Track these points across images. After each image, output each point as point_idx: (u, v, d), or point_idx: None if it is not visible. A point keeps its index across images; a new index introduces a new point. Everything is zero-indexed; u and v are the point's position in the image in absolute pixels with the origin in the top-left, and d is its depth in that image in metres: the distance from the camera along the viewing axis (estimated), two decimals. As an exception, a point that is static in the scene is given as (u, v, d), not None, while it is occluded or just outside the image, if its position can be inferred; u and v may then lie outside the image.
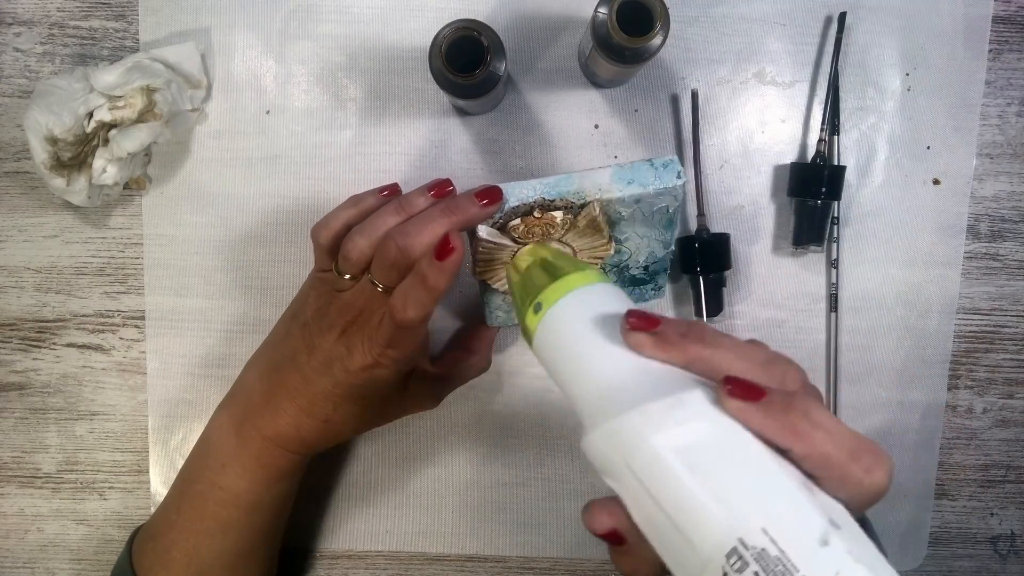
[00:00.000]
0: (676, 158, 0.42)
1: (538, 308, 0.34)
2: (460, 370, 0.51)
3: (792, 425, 0.27)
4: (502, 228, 0.43)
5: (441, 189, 0.44)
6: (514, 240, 0.43)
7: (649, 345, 0.30)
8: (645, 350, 0.30)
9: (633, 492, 0.28)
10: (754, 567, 0.25)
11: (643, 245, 0.46)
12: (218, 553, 0.47)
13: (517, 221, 0.42)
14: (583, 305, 0.33)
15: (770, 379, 0.29)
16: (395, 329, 0.41)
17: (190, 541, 0.46)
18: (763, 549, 0.25)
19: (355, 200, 0.46)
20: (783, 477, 0.27)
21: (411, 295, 0.40)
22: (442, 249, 0.40)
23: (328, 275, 0.45)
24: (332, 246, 0.45)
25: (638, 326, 0.30)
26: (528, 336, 0.35)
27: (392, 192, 0.47)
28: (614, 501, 0.29)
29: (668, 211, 0.44)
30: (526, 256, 0.40)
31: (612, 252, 0.45)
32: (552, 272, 0.35)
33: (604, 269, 0.47)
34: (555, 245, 0.43)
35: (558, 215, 0.42)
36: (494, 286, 0.45)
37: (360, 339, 0.43)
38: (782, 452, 0.27)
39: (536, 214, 0.42)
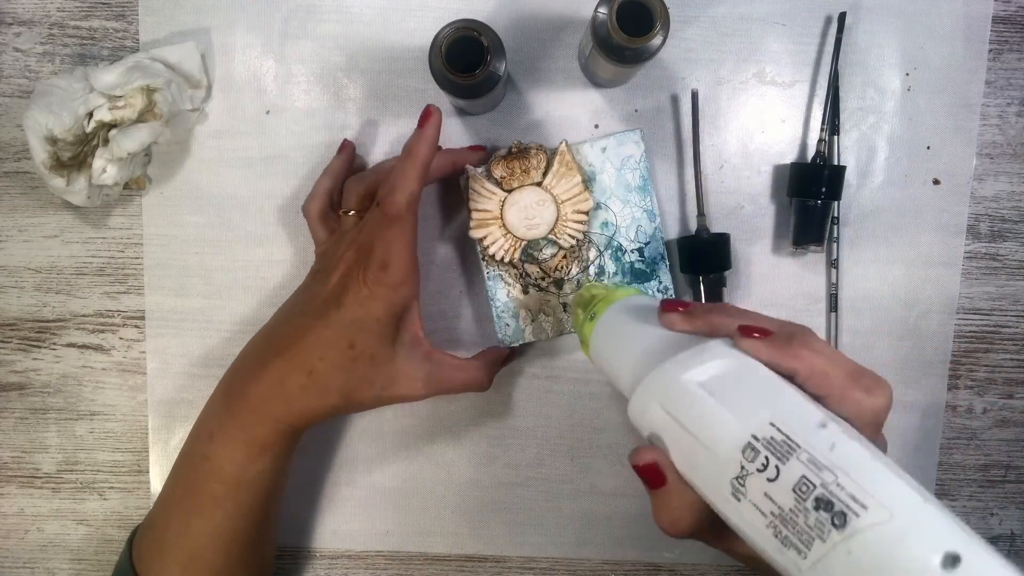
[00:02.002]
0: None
1: (592, 317, 0.42)
2: (455, 369, 0.49)
3: (794, 352, 0.32)
4: (487, 177, 0.50)
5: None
6: (499, 185, 0.50)
7: (679, 321, 0.36)
8: (676, 325, 0.36)
9: (669, 431, 0.33)
10: (764, 453, 0.29)
11: (627, 212, 0.52)
12: (209, 532, 0.46)
13: (500, 170, 0.50)
14: (625, 308, 0.40)
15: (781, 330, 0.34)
16: (388, 242, 0.43)
17: (182, 519, 0.46)
18: (771, 437, 0.29)
19: (325, 170, 0.52)
20: (788, 388, 0.31)
21: (398, 176, 0.44)
22: (423, 117, 0.45)
23: (328, 244, 0.49)
24: (321, 213, 0.50)
25: (671, 307, 0.37)
26: (585, 342, 0.42)
27: (345, 148, 0.53)
28: (655, 447, 0.34)
29: (637, 163, 0.51)
30: (582, 292, 0.47)
31: (592, 203, 0.51)
32: (602, 294, 0.43)
33: (601, 252, 0.51)
34: (537, 190, 0.50)
35: (532, 149, 0.50)
36: (487, 246, 0.51)
37: (356, 272, 0.44)
38: (790, 379, 0.32)
39: (513, 150, 0.50)
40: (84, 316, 0.55)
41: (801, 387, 0.32)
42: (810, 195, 0.51)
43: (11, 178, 0.55)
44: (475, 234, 0.51)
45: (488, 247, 0.51)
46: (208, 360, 0.55)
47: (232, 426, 0.45)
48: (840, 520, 0.26)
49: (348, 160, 0.52)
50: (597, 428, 0.55)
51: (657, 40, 0.44)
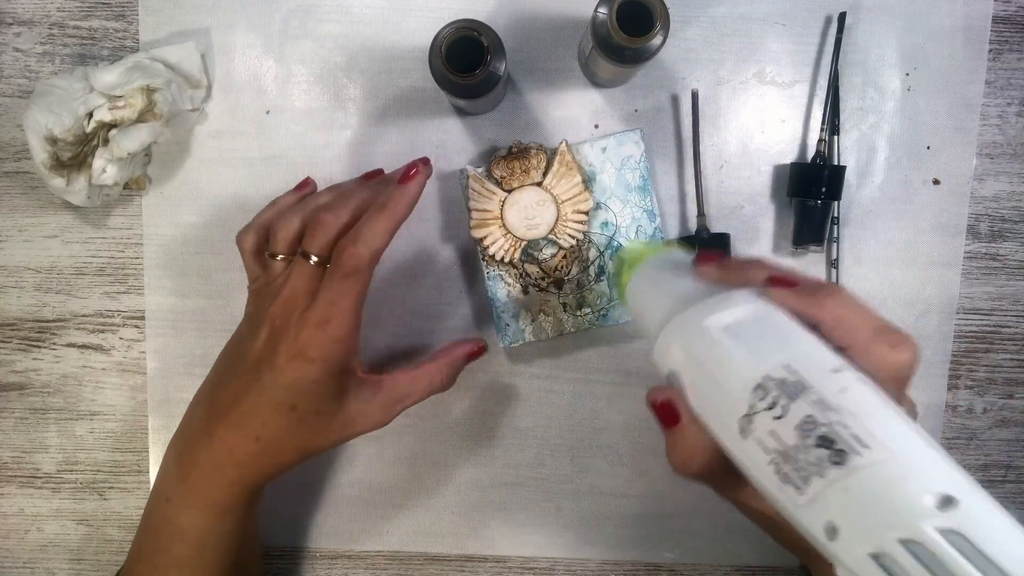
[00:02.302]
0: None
1: (631, 267, 0.42)
2: (411, 382, 0.47)
3: (820, 301, 0.31)
4: (487, 177, 0.50)
5: (371, 174, 0.48)
6: (499, 185, 0.50)
7: (713, 272, 0.36)
8: (710, 276, 0.36)
9: (688, 370, 0.33)
10: (774, 393, 0.29)
11: (627, 212, 0.52)
12: None
13: (500, 170, 0.50)
14: (661, 260, 0.41)
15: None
16: (336, 296, 0.41)
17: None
18: (784, 378, 0.29)
19: (272, 202, 0.48)
20: (808, 335, 0.31)
21: (366, 228, 0.41)
22: (408, 172, 0.43)
23: (259, 283, 0.45)
24: (256, 249, 0.46)
25: (705, 259, 0.37)
26: (623, 295, 0.42)
27: (304, 186, 0.50)
28: (671, 386, 0.34)
29: (637, 163, 0.51)
30: (623, 251, 0.46)
31: (592, 203, 0.51)
32: (642, 249, 0.43)
33: (601, 252, 0.52)
34: (537, 190, 0.50)
35: (532, 149, 0.50)
36: (487, 246, 0.51)
37: (286, 331, 0.41)
38: (814, 329, 0.31)
39: (513, 150, 0.50)
40: (84, 316, 0.55)
41: (826, 338, 0.31)
42: (810, 195, 0.51)
43: (11, 178, 0.55)
44: (475, 234, 0.51)
45: (488, 247, 0.51)
46: (208, 360, 0.55)
47: (188, 492, 0.44)
48: (840, 458, 0.26)
49: (297, 198, 0.48)
50: (597, 428, 0.55)
51: (657, 40, 0.44)
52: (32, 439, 0.56)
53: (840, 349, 0.31)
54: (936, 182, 0.54)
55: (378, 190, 0.44)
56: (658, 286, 0.39)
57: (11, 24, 0.54)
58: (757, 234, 0.54)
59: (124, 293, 0.55)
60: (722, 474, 0.33)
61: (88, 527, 0.57)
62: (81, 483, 0.57)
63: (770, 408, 0.29)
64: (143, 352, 0.55)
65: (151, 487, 0.47)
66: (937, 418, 0.55)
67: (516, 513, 0.56)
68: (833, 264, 0.54)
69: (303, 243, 0.42)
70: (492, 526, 0.56)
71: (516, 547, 0.56)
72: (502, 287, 0.52)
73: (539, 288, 0.52)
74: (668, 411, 0.33)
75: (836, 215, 0.53)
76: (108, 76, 0.49)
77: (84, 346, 0.56)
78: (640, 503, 0.56)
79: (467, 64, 0.44)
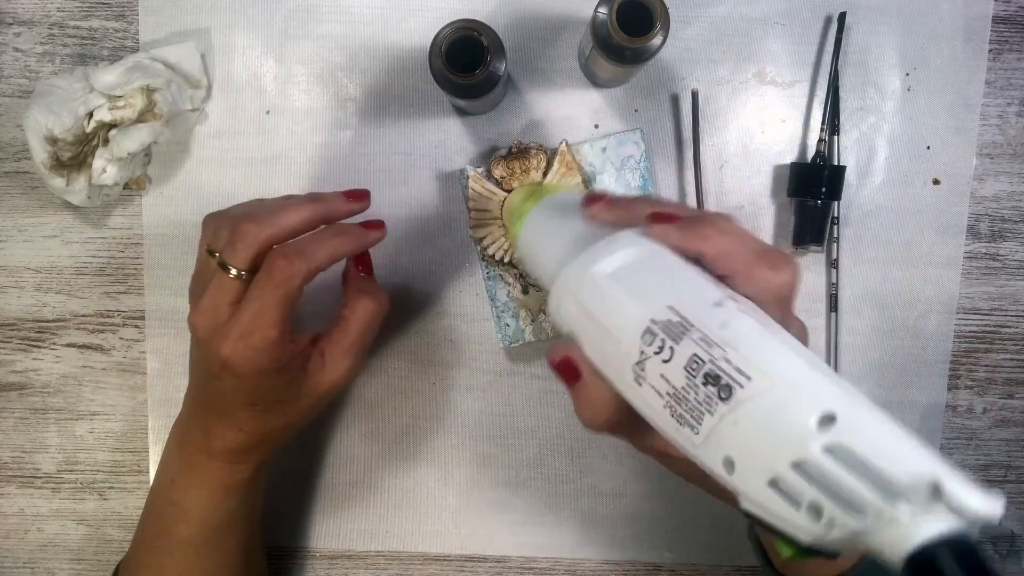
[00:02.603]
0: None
1: (520, 216, 0.41)
2: (355, 313, 0.44)
3: (701, 233, 0.32)
4: (487, 177, 0.50)
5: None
6: (499, 185, 0.50)
7: (602, 211, 0.36)
8: (599, 217, 0.36)
9: (581, 324, 0.33)
10: (660, 336, 0.29)
11: None
12: (181, 572, 0.46)
13: (500, 170, 0.50)
14: (551, 204, 0.40)
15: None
16: (265, 306, 0.39)
17: (155, 560, 0.46)
18: (668, 320, 0.29)
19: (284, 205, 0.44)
20: (690, 271, 0.31)
21: (314, 244, 0.40)
22: (373, 224, 0.43)
23: (192, 276, 0.44)
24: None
25: (593, 200, 0.36)
26: (516, 247, 0.41)
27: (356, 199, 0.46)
28: (570, 344, 0.33)
29: (637, 163, 0.51)
30: (519, 191, 0.45)
31: None
32: (529, 192, 0.42)
33: None
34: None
35: (532, 149, 0.50)
36: (486, 247, 0.50)
37: (210, 343, 0.40)
38: (698, 263, 0.32)
39: (513, 150, 0.50)
40: (84, 316, 0.55)
41: (709, 270, 0.32)
42: (810, 195, 0.51)
43: (11, 178, 0.55)
44: (475, 234, 0.51)
45: (488, 247, 0.51)
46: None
47: (191, 474, 0.45)
48: (726, 393, 0.27)
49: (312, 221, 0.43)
50: (597, 428, 0.55)
51: (657, 40, 0.44)
52: (32, 439, 0.56)
53: (723, 278, 0.31)
54: (936, 182, 0.54)
55: (317, 210, 0.42)
56: (548, 233, 0.38)
57: (11, 24, 0.54)
58: (757, 234, 0.54)
59: (124, 293, 0.55)
60: (632, 425, 0.33)
61: (88, 527, 0.57)
62: (81, 483, 0.57)
63: (658, 352, 0.29)
64: (143, 352, 0.55)
65: (152, 480, 0.47)
66: (937, 418, 0.55)
67: (516, 513, 0.56)
68: (833, 264, 0.54)
69: (222, 252, 0.40)
70: (492, 526, 0.56)
71: (516, 547, 0.56)
72: (502, 287, 0.52)
73: (539, 288, 0.52)
74: (568, 368, 0.33)
75: (836, 215, 0.53)
76: (108, 76, 0.49)
77: (84, 346, 0.56)
78: (640, 503, 0.56)
79: (467, 64, 0.44)
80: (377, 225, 0.44)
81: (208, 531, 0.45)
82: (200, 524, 0.45)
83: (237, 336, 0.39)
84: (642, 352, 0.30)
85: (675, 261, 0.32)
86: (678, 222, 0.33)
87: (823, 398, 0.26)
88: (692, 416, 0.28)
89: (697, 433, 0.28)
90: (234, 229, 0.40)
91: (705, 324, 0.28)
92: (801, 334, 0.33)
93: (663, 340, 0.29)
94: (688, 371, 0.28)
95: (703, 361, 0.28)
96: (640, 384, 0.30)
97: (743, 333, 0.28)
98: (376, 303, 0.44)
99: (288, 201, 0.42)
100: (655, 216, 0.33)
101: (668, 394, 0.29)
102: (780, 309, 0.32)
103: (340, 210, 0.43)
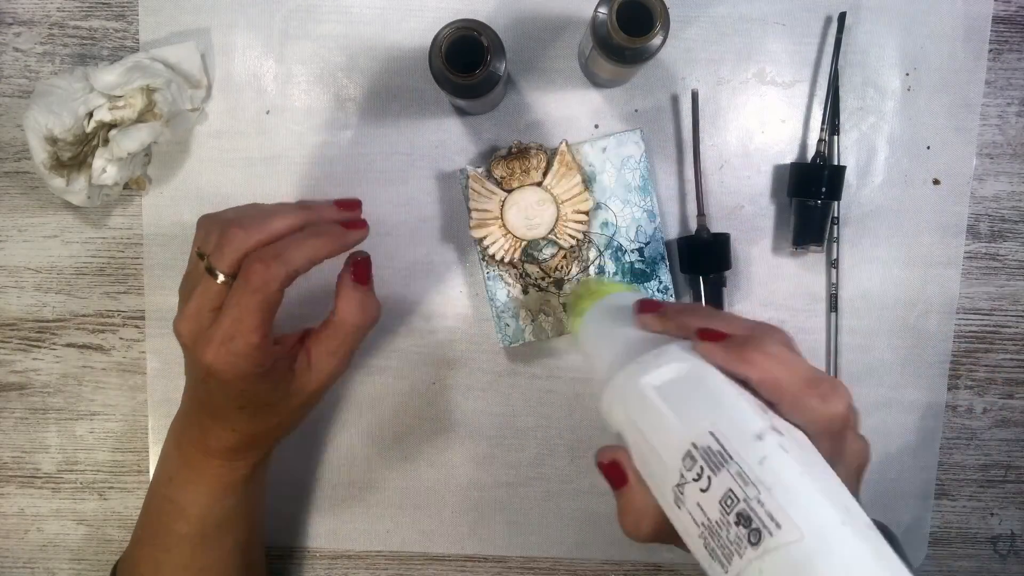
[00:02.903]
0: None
1: (580, 313, 0.42)
2: (342, 318, 0.44)
3: (748, 356, 0.31)
4: (487, 177, 0.51)
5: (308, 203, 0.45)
6: (499, 185, 0.50)
7: (653, 322, 0.36)
8: (650, 327, 0.36)
9: (630, 432, 0.33)
10: (700, 463, 0.29)
11: (627, 212, 0.52)
12: (178, 568, 0.46)
13: (500, 170, 0.50)
14: (608, 306, 0.40)
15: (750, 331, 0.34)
16: (244, 312, 0.38)
17: (152, 556, 0.46)
18: (708, 447, 0.29)
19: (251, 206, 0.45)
20: (735, 395, 0.31)
21: (294, 248, 0.39)
22: (355, 224, 0.43)
23: (183, 280, 0.43)
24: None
25: (645, 308, 0.37)
26: (574, 340, 0.42)
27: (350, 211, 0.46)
28: (620, 447, 0.34)
29: (637, 163, 0.51)
30: (579, 285, 0.47)
31: (592, 203, 0.51)
32: (592, 290, 0.43)
33: (601, 252, 0.52)
34: (537, 190, 0.50)
35: (532, 149, 0.50)
36: (486, 247, 0.51)
37: (195, 348, 0.40)
38: (745, 385, 0.31)
39: (513, 150, 0.50)
40: (84, 316, 0.55)
41: (756, 393, 0.31)
42: (810, 195, 0.51)
43: (11, 178, 0.55)
44: (475, 234, 0.51)
45: (488, 247, 0.51)
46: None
47: (189, 471, 0.45)
48: (756, 537, 0.26)
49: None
50: (597, 428, 0.55)
51: (657, 40, 0.44)
52: (32, 439, 0.56)
53: (770, 404, 0.31)
54: (936, 182, 0.54)
55: (307, 217, 0.42)
56: (604, 337, 0.39)
57: (11, 24, 0.54)
58: (757, 234, 0.54)
59: (124, 293, 0.55)
60: (676, 535, 0.32)
61: (88, 527, 0.57)
62: (81, 483, 0.57)
63: (697, 479, 0.29)
64: (143, 352, 0.55)
65: (151, 478, 0.47)
66: (937, 418, 0.55)
67: (516, 513, 0.56)
68: (833, 264, 0.54)
69: (210, 255, 0.40)
70: (492, 526, 0.56)
71: (516, 547, 0.56)
72: (502, 287, 0.52)
73: (539, 288, 0.52)
74: (616, 472, 0.33)
75: (836, 215, 0.53)
76: (108, 76, 0.49)
77: (84, 346, 0.56)
78: (640, 503, 0.56)
79: (467, 64, 0.44)
80: (358, 225, 0.43)
81: (206, 528, 0.45)
82: (198, 521, 0.45)
83: (219, 342, 0.39)
84: (682, 475, 0.29)
85: (722, 381, 0.31)
86: (725, 341, 0.32)
87: (851, 563, 0.25)
88: (723, 553, 0.28)
89: (726, 572, 0.27)
90: (223, 233, 0.39)
91: (743, 458, 0.28)
92: (860, 457, 0.32)
93: (702, 468, 0.29)
94: (723, 506, 0.28)
95: (737, 499, 0.27)
96: (679, 507, 0.30)
97: (780, 474, 0.28)
98: (363, 313, 0.44)
99: (278, 208, 0.42)
100: (703, 333, 0.33)
101: (703, 524, 0.28)
102: (831, 440, 0.31)
103: (329, 218, 0.43)
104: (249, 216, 0.41)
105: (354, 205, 0.45)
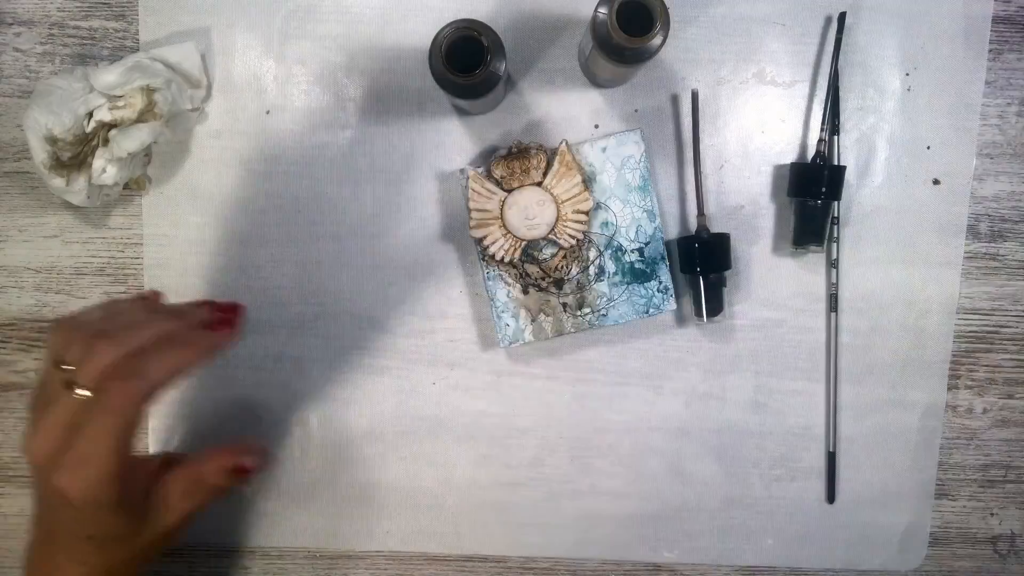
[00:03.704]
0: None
1: None
2: (203, 463, 0.44)
3: None
4: (487, 177, 0.50)
5: (151, 297, 0.45)
6: (499, 185, 0.50)
7: None
8: None
9: None
10: None
11: (627, 212, 0.52)
12: None
13: (500, 170, 0.50)
14: None
15: None
16: (86, 442, 0.37)
17: None
18: None
19: (106, 305, 0.43)
20: None
21: (154, 361, 0.37)
22: (221, 320, 0.40)
23: (34, 393, 0.40)
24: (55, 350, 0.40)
25: None
26: None
27: (148, 297, 0.46)
28: None
29: (637, 163, 0.51)
30: None
31: (592, 203, 0.51)
32: None
33: (601, 252, 0.52)
34: (537, 190, 0.50)
35: (532, 149, 0.50)
36: (486, 247, 0.50)
37: (46, 469, 0.38)
38: None
39: (513, 150, 0.50)
40: (84, 316, 0.55)
41: None
42: (810, 195, 0.51)
43: (11, 178, 0.55)
44: (475, 234, 0.51)
45: (488, 247, 0.51)
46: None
47: None
48: None
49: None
50: (597, 428, 0.55)
51: (657, 40, 0.44)
52: (32, 439, 0.56)
53: None
54: (936, 182, 0.54)
55: (170, 326, 0.39)
56: None
57: (11, 24, 0.54)
58: (757, 234, 0.54)
59: (124, 293, 0.55)
60: None
61: (88, 527, 0.57)
62: (81, 483, 0.57)
63: None
64: (143, 352, 0.55)
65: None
66: (937, 418, 0.55)
67: (516, 513, 0.56)
68: (833, 264, 0.54)
69: (72, 368, 0.37)
70: (492, 526, 0.56)
71: (516, 547, 0.56)
72: (502, 287, 0.52)
73: (539, 288, 0.52)
74: None
75: (836, 215, 0.53)
76: (108, 76, 0.49)
77: (84, 346, 0.56)
78: (640, 503, 0.56)
79: (467, 64, 0.44)
80: (224, 323, 0.40)
81: None
82: None
83: (73, 466, 0.37)
84: None
85: None
86: None
87: None
88: None
89: None
90: (88, 346, 0.37)
91: None
92: None
93: None
94: None
95: None
96: None
97: None
98: (230, 460, 0.44)
99: (145, 316, 0.40)
100: None
101: None
102: None
103: (197, 323, 0.41)
104: (116, 326, 0.38)
105: (233, 312, 0.42)
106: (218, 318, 0.41)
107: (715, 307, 0.52)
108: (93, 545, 0.40)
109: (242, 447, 0.47)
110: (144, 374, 0.37)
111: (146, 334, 0.38)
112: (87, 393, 0.36)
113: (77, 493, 0.37)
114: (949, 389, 0.55)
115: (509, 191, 0.50)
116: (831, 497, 0.55)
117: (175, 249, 0.55)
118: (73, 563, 0.41)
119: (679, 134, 0.53)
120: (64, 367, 0.37)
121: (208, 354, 0.40)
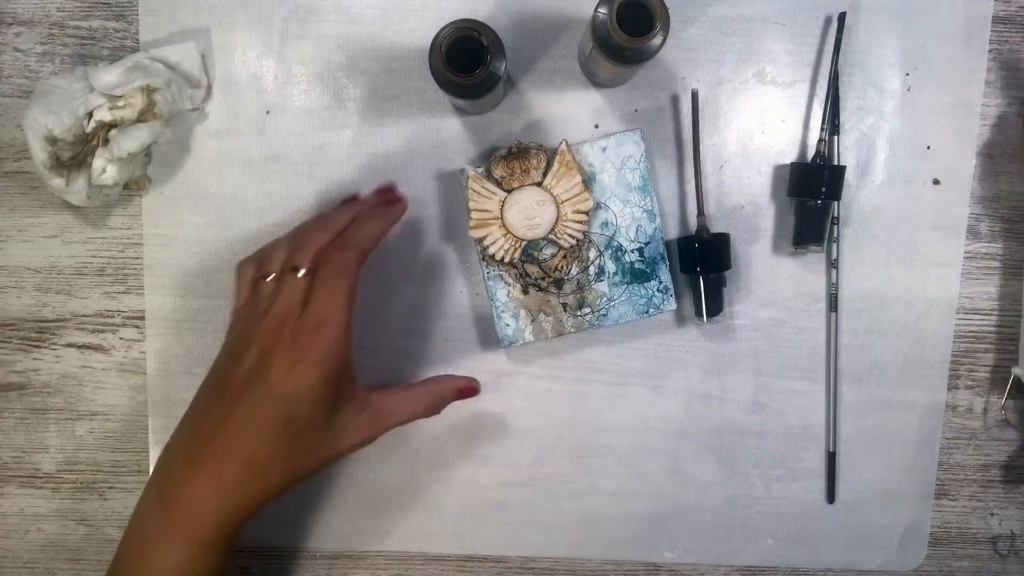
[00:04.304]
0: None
1: None
2: (396, 402, 0.47)
3: None
4: (487, 177, 0.51)
5: (349, 199, 0.52)
6: (499, 185, 0.50)
7: None
8: None
9: None
10: None
11: (627, 212, 0.52)
12: None
13: (500, 170, 0.50)
14: None
15: None
16: (329, 295, 0.42)
17: None
18: None
19: (314, 225, 0.49)
20: None
21: (360, 231, 0.45)
22: (391, 198, 0.50)
23: (247, 305, 0.45)
24: (256, 277, 0.46)
25: None
26: None
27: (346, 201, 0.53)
28: None
29: (637, 163, 0.51)
30: None
31: (592, 203, 0.51)
32: None
33: (601, 252, 0.52)
34: (537, 190, 0.50)
35: (532, 149, 0.50)
36: (486, 247, 0.51)
37: (280, 343, 0.42)
38: None
39: (513, 150, 0.50)
40: (84, 316, 0.55)
41: None
42: (810, 195, 0.51)
43: (11, 178, 0.55)
44: (475, 234, 0.51)
45: (488, 247, 0.51)
46: (208, 360, 0.55)
47: (169, 528, 0.42)
48: None
49: (349, 221, 0.47)
50: (597, 428, 0.55)
51: (657, 40, 0.44)
52: (32, 439, 0.56)
53: None
54: (936, 182, 0.54)
55: (360, 209, 0.48)
56: None
57: (11, 24, 0.54)
58: (757, 234, 0.54)
59: (124, 293, 0.55)
60: None
61: (88, 527, 0.57)
62: (81, 483, 0.57)
63: None
64: (143, 352, 0.55)
65: (129, 522, 0.45)
66: (937, 418, 0.55)
67: (516, 513, 0.56)
68: (833, 264, 0.54)
69: (289, 258, 0.44)
70: (492, 526, 0.56)
71: (516, 547, 0.56)
72: (502, 287, 0.52)
73: (539, 288, 0.52)
74: None
75: (836, 215, 0.53)
76: (108, 76, 0.49)
77: (84, 346, 0.56)
78: (640, 503, 0.56)
79: (467, 64, 0.44)
80: (396, 199, 0.50)
81: None
82: None
83: (311, 327, 0.42)
84: None
85: None
86: None
87: None
88: None
89: None
90: (296, 240, 0.45)
91: None
92: None
93: None
94: None
95: None
96: None
97: None
98: (426, 415, 0.48)
99: (335, 210, 0.48)
100: None
101: None
102: None
103: (373, 204, 0.50)
104: (319, 219, 0.47)
105: (390, 189, 0.51)
106: (388, 197, 0.50)
107: (715, 307, 0.52)
108: (283, 434, 0.42)
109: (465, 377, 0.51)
110: (353, 243, 0.44)
111: (342, 219, 0.46)
112: (305, 270, 0.43)
113: (316, 351, 0.41)
114: (949, 389, 0.55)
115: (509, 191, 0.50)
116: (831, 497, 0.55)
117: (175, 249, 0.55)
118: (235, 462, 0.42)
119: (679, 134, 0.53)
120: (267, 277, 0.44)
121: (393, 222, 0.48)
